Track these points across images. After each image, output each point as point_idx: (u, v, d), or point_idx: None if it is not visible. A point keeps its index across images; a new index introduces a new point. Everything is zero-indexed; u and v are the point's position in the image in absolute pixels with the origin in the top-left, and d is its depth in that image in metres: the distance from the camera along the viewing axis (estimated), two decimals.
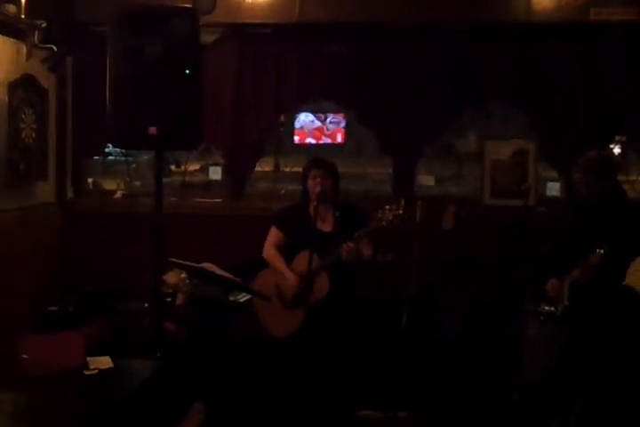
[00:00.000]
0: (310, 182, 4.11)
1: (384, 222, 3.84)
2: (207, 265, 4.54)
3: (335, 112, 5.75)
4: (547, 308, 4.33)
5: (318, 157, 4.37)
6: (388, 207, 3.84)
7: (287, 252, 4.17)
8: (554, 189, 5.50)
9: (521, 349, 4.37)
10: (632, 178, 5.53)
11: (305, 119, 5.84)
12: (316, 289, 3.96)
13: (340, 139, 5.89)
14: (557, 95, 5.21)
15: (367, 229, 3.89)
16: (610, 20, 4.98)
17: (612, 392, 3.61)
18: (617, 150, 6.33)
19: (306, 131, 5.84)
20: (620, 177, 5.28)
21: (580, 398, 3.66)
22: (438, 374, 4.58)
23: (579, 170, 3.83)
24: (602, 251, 3.50)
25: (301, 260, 3.98)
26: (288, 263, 4.11)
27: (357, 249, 3.91)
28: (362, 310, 4.23)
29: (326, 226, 4.14)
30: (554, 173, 5.50)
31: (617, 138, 5.82)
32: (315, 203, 3.99)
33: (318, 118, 5.82)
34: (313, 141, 5.91)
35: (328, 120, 5.81)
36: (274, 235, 4.27)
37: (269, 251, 4.24)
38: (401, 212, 3.82)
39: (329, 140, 5.90)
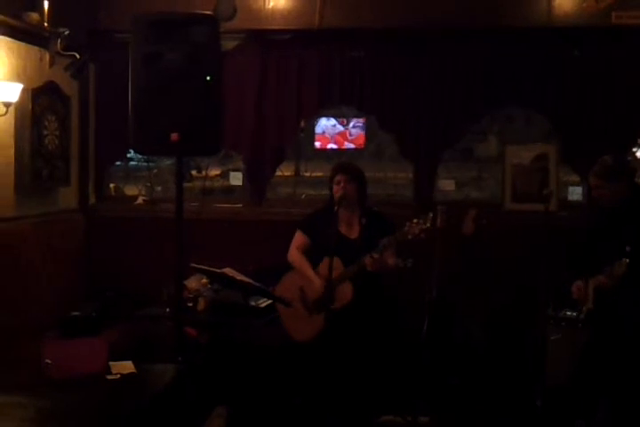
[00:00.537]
0: (334, 187, 4.16)
1: (410, 236, 3.89)
2: (228, 270, 4.57)
3: (355, 117, 5.76)
4: (569, 313, 4.30)
5: (344, 162, 4.43)
6: (415, 221, 3.89)
7: (313, 256, 4.20)
8: (576, 193, 5.48)
9: (543, 354, 4.34)
10: None
11: (327, 124, 5.85)
12: (339, 296, 3.98)
13: (361, 143, 5.91)
14: (579, 99, 5.18)
15: (392, 241, 3.92)
16: (632, 24, 4.95)
17: (635, 397, 3.58)
18: (639, 154, 6.28)
19: (327, 136, 5.86)
20: None
21: (603, 403, 3.63)
22: (460, 380, 4.57)
23: (592, 174, 3.85)
24: (627, 260, 3.48)
25: (326, 265, 3.99)
26: (314, 268, 4.13)
27: (382, 259, 3.93)
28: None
29: (352, 232, 4.18)
30: (576, 178, 5.47)
31: (639, 141, 5.78)
32: (336, 207, 4.02)
33: (340, 123, 5.82)
34: (335, 147, 5.93)
35: (351, 125, 5.80)
36: (299, 239, 4.31)
37: (295, 254, 4.28)
38: (428, 225, 3.86)
39: (352, 146, 5.91)
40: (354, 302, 3.97)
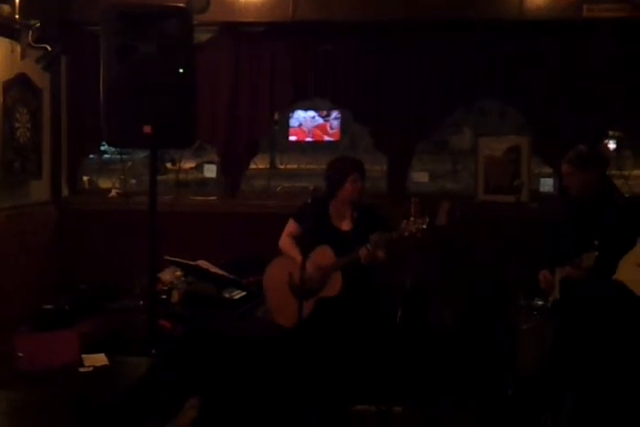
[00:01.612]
0: (349, 186, 4.19)
1: (406, 233, 3.93)
2: (202, 263, 4.60)
3: (329, 110, 5.76)
4: (539, 302, 4.36)
5: (351, 158, 4.46)
6: (412, 220, 3.92)
7: (305, 245, 4.22)
8: (547, 184, 5.54)
9: (514, 343, 4.40)
10: (625, 173, 5.57)
11: (305, 116, 5.83)
12: (329, 286, 4.04)
13: (337, 136, 5.91)
14: (551, 92, 5.23)
15: (388, 237, 3.96)
16: (603, 17, 5.00)
17: (601, 387, 3.63)
18: (612, 146, 6.37)
19: (305, 129, 5.83)
20: (614, 172, 5.35)
21: (570, 393, 3.68)
22: (433, 369, 4.61)
23: (565, 161, 3.91)
24: (596, 253, 3.53)
25: (319, 253, 4.05)
26: (305, 256, 4.16)
27: (375, 253, 3.98)
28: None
29: (345, 225, 4.22)
30: (547, 169, 5.53)
31: (611, 133, 5.86)
32: (348, 205, 4.11)
33: (320, 115, 5.79)
34: (311, 140, 5.90)
35: (332, 116, 5.76)
36: (291, 227, 4.37)
37: (286, 240, 4.33)
38: (425, 227, 3.90)
39: (332, 139, 5.88)
40: (343, 292, 4.03)
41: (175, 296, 4.70)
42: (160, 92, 3.71)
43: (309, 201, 4.20)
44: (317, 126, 5.80)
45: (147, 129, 3.69)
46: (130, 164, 6.36)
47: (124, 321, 4.55)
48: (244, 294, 4.57)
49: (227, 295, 4.56)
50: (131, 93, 3.71)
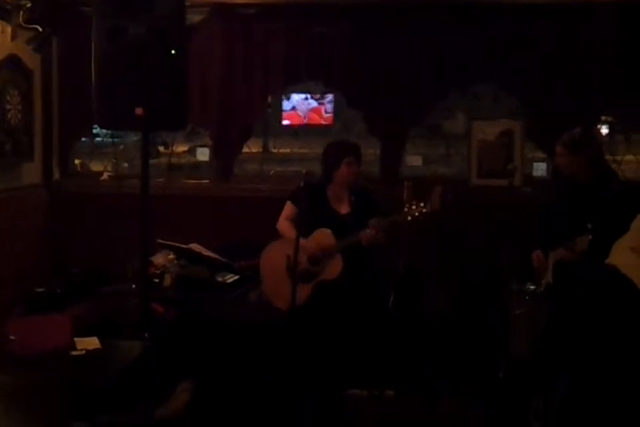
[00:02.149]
0: (344, 169, 4.20)
1: (409, 217, 3.94)
2: (194, 246, 4.57)
3: (322, 93, 5.73)
4: (532, 287, 4.36)
5: (347, 141, 4.45)
6: (415, 203, 3.91)
7: (303, 228, 4.21)
8: (540, 169, 5.53)
9: (507, 327, 4.40)
10: (618, 158, 5.56)
11: (298, 99, 5.78)
12: (329, 269, 4.04)
13: (331, 120, 5.88)
14: (546, 76, 5.19)
15: (392, 220, 3.97)
16: (601, 1, 4.97)
17: (595, 371, 3.64)
18: (604, 130, 6.36)
19: (299, 113, 5.79)
20: (607, 157, 5.34)
21: (563, 377, 3.69)
22: (426, 353, 4.62)
23: (559, 142, 3.91)
24: (589, 236, 3.53)
25: (319, 236, 4.04)
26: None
27: (376, 235, 3.98)
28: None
29: (343, 208, 4.25)
30: (540, 154, 5.52)
31: (604, 118, 5.84)
32: (345, 189, 4.10)
33: (313, 97, 5.75)
34: (306, 122, 5.86)
35: (327, 99, 5.71)
36: (288, 209, 4.37)
37: (283, 222, 4.34)
38: (427, 210, 3.90)
39: (325, 123, 5.85)
40: (342, 275, 4.03)
41: (168, 280, 4.67)
42: (152, 73, 3.68)
43: (302, 184, 4.18)
44: (312, 110, 5.76)
45: (138, 111, 3.67)
46: (122, 147, 6.32)
47: (117, 305, 4.54)
48: (236, 277, 4.55)
49: (219, 279, 4.55)
50: (122, 75, 3.68)
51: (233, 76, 5.41)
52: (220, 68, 5.40)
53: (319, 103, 5.74)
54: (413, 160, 5.75)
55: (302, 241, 4.03)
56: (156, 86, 3.68)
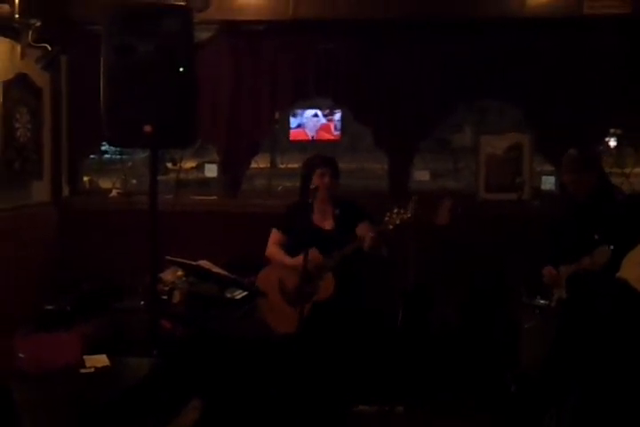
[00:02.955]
0: (316, 180, 4.15)
1: (391, 226, 3.90)
2: (203, 262, 4.56)
3: (330, 109, 5.73)
4: (542, 301, 4.34)
5: (321, 155, 4.43)
6: (395, 211, 3.89)
7: (290, 252, 4.20)
8: (549, 182, 5.51)
9: (517, 342, 4.38)
10: (627, 171, 5.54)
11: (307, 115, 5.78)
12: (321, 289, 3.98)
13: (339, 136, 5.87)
14: (551, 89, 5.21)
15: (377, 230, 3.94)
16: (603, 14, 4.98)
17: (606, 385, 3.61)
18: (612, 143, 6.34)
19: (306, 130, 5.78)
20: (615, 170, 5.34)
21: (573, 391, 3.67)
22: (435, 369, 4.59)
23: (564, 171, 3.90)
24: (611, 247, 3.50)
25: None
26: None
27: (375, 238, 3.92)
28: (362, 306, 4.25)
29: (327, 224, 4.17)
30: (549, 167, 5.51)
31: (612, 131, 5.83)
32: (325, 193, 4.06)
33: (324, 114, 5.75)
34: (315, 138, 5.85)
35: (336, 117, 5.71)
36: (275, 236, 4.32)
37: (272, 249, 4.30)
38: (409, 215, 3.87)
39: (335, 138, 5.82)
40: (335, 295, 3.98)
41: (177, 296, 4.67)
42: (160, 91, 3.68)
43: (290, 208, 4.22)
44: (322, 127, 5.76)
45: (147, 129, 3.67)
46: (130, 164, 6.33)
47: (126, 322, 4.54)
48: (245, 293, 4.54)
49: (228, 295, 4.54)
50: (131, 93, 3.69)
51: (241, 93, 5.44)
52: (228, 84, 5.43)
53: (328, 120, 5.73)
54: (421, 175, 5.74)
55: (292, 261, 4.04)
56: (165, 103, 3.69)
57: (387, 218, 3.89)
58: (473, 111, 5.91)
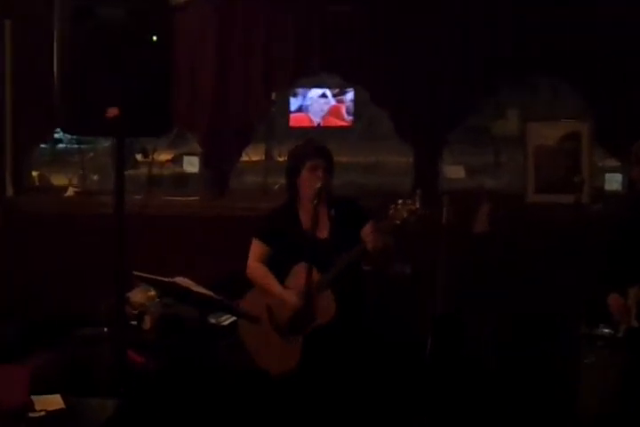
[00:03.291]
0: (306, 175, 4.06)
1: (397, 221, 3.82)
2: (181, 280, 4.55)
3: (339, 88, 5.74)
4: (606, 330, 4.33)
5: (312, 142, 4.33)
6: (401, 202, 3.82)
7: (276, 268, 4.15)
8: (614, 181, 5.51)
9: (575, 381, 4.38)
10: None
11: (311, 96, 5.78)
12: (320, 311, 3.95)
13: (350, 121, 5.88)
14: (618, 66, 5.20)
15: (379, 226, 3.86)
16: None
17: None
18: None
19: (311, 113, 5.78)
20: None
21: None
22: (471, 414, 4.60)
23: (635, 150, 3.89)
24: None
25: (298, 276, 3.96)
26: (280, 282, 4.10)
27: (382, 237, 3.84)
28: (377, 333, 4.25)
29: (320, 231, 4.07)
30: (614, 162, 5.51)
31: None
32: (315, 202, 3.97)
33: (333, 94, 5.75)
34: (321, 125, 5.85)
35: (348, 97, 5.69)
36: (257, 248, 4.22)
37: (255, 268, 4.21)
38: (417, 206, 3.81)
39: (346, 124, 5.82)
40: (337, 317, 3.96)
41: (148, 322, 4.69)
42: (128, 65, 3.69)
43: (273, 212, 4.19)
44: (330, 111, 5.76)
45: (112, 112, 3.69)
46: (91, 155, 6.36)
47: (85, 354, 4.54)
48: (234, 318, 4.55)
49: (213, 321, 4.55)
50: (92, 68, 3.70)
51: (228, 68, 5.46)
52: (213, 57, 5.45)
53: (337, 101, 5.74)
54: (454, 171, 5.75)
55: (282, 291, 4.03)
56: (134, 81, 3.69)
57: (391, 211, 3.83)
58: (519, 92, 5.92)
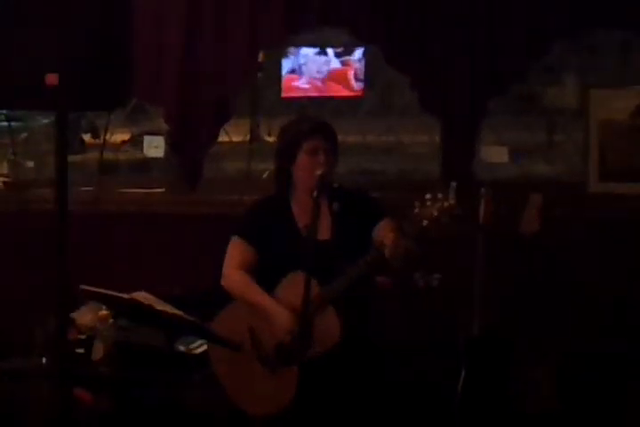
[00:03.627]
0: (303, 159, 4.07)
1: (425, 222, 3.79)
2: (142, 296, 4.59)
3: (345, 46, 5.76)
4: None
5: (309, 116, 4.35)
6: (429, 197, 3.79)
7: (262, 276, 4.15)
8: None
9: None
10: None
11: (309, 55, 5.78)
12: (320, 336, 3.94)
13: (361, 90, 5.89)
14: None
15: (401, 227, 3.83)
16: None
17: None
18: None
19: (308, 77, 5.79)
20: None
21: None
22: None
23: None
24: None
25: (292, 289, 3.96)
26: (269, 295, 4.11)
27: (403, 241, 3.80)
28: (394, 364, 4.27)
29: (321, 231, 4.05)
30: None
31: None
32: (314, 193, 3.98)
33: (336, 53, 5.75)
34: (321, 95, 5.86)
35: (356, 57, 5.69)
36: (238, 250, 4.20)
37: (234, 275, 4.20)
38: (452, 202, 3.79)
39: (356, 94, 5.83)
40: (344, 340, 3.97)
41: (99, 350, 4.71)
42: (72, 21, 3.72)
43: (258, 207, 4.17)
44: (332, 75, 5.76)
45: (50, 79, 3.71)
46: (24, 136, 6.38)
47: (18, 391, 4.57)
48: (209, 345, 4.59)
49: (182, 348, 4.57)
50: (25, 24, 3.73)
51: (201, 24, 5.48)
52: (181, 9, 5.46)
53: (343, 63, 5.75)
54: (494, 153, 5.76)
55: (274, 306, 4.03)
56: (80, 42, 3.72)
57: (416, 210, 3.78)
58: (578, 52, 5.94)
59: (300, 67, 5.83)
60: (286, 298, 3.95)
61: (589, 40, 5.79)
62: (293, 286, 3.89)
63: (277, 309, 3.95)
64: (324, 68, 5.74)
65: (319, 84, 5.83)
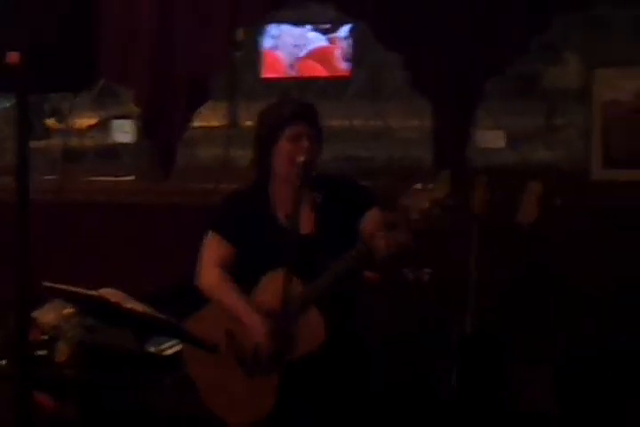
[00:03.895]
0: (284, 146, 4.06)
1: (415, 214, 3.80)
2: (109, 292, 4.60)
3: (331, 22, 5.75)
4: None
5: (292, 98, 4.33)
6: (420, 186, 3.81)
7: (240, 274, 4.14)
8: None
9: None
10: None
11: (293, 32, 5.78)
12: (303, 337, 3.94)
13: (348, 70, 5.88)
14: None
15: (390, 219, 3.82)
16: None
17: None
18: None
19: (288, 54, 5.79)
20: None
21: None
22: None
23: None
24: None
25: (272, 287, 3.96)
26: (247, 295, 4.11)
27: (394, 234, 3.79)
28: (383, 364, 4.28)
29: (303, 224, 4.04)
30: None
31: None
32: (297, 183, 3.98)
33: (322, 30, 5.75)
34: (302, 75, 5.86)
35: (342, 34, 5.69)
36: (214, 247, 4.20)
37: (210, 275, 4.18)
38: (444, 192, 3.79)
39: (343, 73, 5.82)
40: (328, 341, 3.97)
41: (63, 351, 4.71)
42: None
43: (234, 198, 4.15)
44: (316, 53, 5.75)
45: (11, 58, 3.71)
46: None
47: None
48: (181, 346, 4.59)
49: (152, 349, 4.58)
50: None
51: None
52: None
53: (329, 40, 5.74)
54: (491, 138, 5.77)
55: (247, 311, 4.02)
56: (44, 17, 3.73)
57: (406, 199, 3.78)
58: (580, 28, 5.94)
59: (281, 45, 5.81)
60: (266, 299, 3.92)
61: (594, 15, 5.79)
62: (274, 285, 3.87)
63: (249, 313, 3.93)
64: (308, 47, 5.72)
65: (302, 64, 5.81)
